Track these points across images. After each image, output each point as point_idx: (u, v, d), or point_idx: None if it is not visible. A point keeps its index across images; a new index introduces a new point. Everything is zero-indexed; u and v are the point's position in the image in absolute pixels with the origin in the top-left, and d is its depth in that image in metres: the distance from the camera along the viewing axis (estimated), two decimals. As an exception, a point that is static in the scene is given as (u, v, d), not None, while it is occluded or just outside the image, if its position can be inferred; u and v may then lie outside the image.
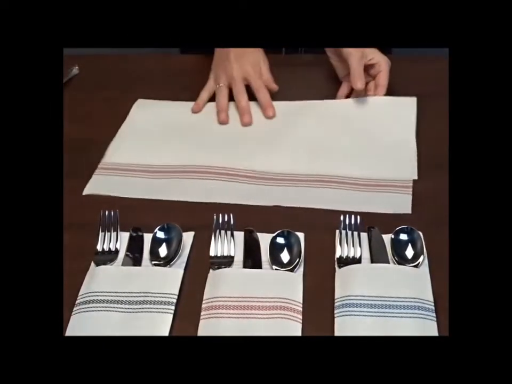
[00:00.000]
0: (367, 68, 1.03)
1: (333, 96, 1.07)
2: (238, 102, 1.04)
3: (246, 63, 1.06)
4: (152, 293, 0.75)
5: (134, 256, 0.81)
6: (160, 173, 0.93)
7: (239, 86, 1.05)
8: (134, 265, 0.79)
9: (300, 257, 0.79)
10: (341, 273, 0.77)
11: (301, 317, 0.73)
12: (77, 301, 0.75)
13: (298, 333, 0.71)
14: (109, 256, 0.81)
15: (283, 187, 0.91)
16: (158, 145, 0.99)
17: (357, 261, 0.79)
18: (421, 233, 0.81)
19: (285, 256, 0.79)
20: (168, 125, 1.02)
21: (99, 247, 0.81)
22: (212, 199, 0.88)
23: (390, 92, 1.05)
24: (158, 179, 0.93)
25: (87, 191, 0.89)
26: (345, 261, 0.79)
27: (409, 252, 0.79)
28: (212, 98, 1.06)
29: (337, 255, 0.79)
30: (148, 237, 0.82)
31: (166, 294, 0.75)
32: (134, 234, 0.83)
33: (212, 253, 0.80)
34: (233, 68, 1.05)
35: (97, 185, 0.91)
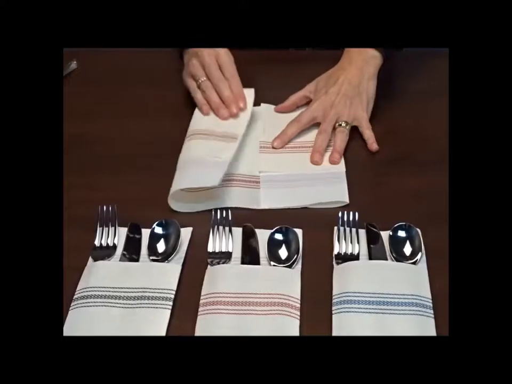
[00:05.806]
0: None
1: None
2: (220, 92, 0.98)
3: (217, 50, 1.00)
4: (150, 288, 0.75)
5: (132, 251, 0.81)
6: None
7: (217, 73, 0.98)
8: (132, 260, 0.79)
9: (298, 253, 0.79)
10: (338, 270, 0.77)
11: (298, 313, 0.73)
12: (75, 296, 0.75)
13: (296, 330, 0.71)
14: (106, 252, 0.81)
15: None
16: None
17: (355, 257, 0.79)
18: (419, 230, 0.81)
19: (283, 253, 0.79)
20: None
21: (97, 242, 0.81)
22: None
23: (391, 87, 1.05)
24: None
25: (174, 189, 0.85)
26: (343, 258, 0.79)
27: (407, 249, 0.79)
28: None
29: (335, 251, 0.79)
30: (146, 233, 0.82)
31: (164, 289, 0.75)
32: (132, 229, 0.83)
33: (210, 249, 0.80)
34: (204, 54, 0.99)
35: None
